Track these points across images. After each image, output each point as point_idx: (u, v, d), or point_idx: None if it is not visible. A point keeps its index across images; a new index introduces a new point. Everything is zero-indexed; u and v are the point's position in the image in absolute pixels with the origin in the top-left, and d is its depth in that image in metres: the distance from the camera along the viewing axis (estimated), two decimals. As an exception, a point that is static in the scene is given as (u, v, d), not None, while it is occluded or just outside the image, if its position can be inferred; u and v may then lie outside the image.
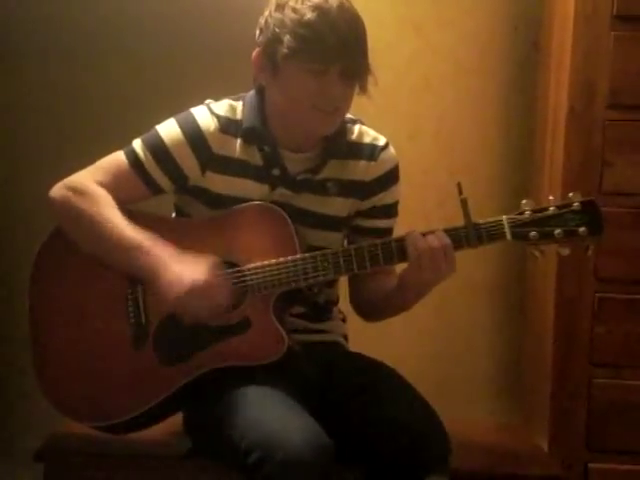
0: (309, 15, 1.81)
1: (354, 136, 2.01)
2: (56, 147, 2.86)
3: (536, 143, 2.71)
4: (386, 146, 2.03)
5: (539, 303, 2.59)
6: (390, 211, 2.05)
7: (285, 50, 1.83)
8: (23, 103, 2.90)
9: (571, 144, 2.34)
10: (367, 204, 2.02)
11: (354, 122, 2.02)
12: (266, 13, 1.89)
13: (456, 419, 2.19)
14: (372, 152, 2.01)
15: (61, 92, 2.88)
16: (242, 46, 2.69)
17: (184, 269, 1.83)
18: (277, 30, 1.84)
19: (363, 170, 2.00)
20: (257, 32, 1.91)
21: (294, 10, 1.83)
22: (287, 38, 1.82)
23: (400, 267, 1.92)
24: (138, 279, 1.90)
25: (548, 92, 2.58)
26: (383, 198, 2.03)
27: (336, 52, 1.82)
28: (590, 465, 2.35)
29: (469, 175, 2.78)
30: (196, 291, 1.82)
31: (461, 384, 2.79)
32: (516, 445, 2.44)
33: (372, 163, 2.00)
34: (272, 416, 1.74)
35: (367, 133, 2.02)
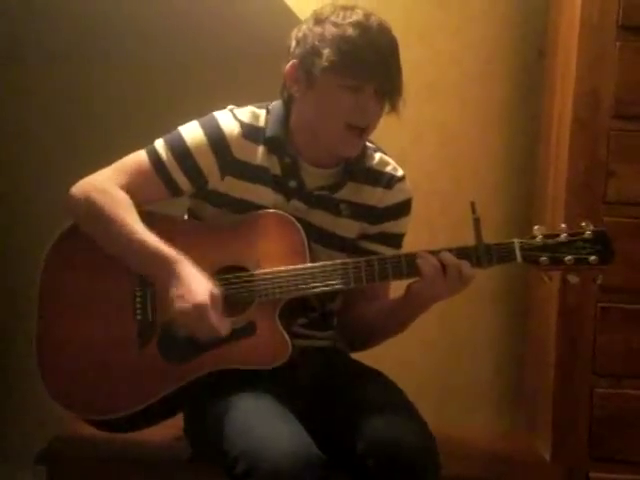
0: (350, 31, 1.84)
1: (374, 163, 2.02)
2: (58, 148, 2.87)
3: (540, 152, 2.71)
4: (403, 178, 2.04)
5: (541, 312, 2.59)
6: (395, 241, 2.05)
7: (324, 63, 1.84)
8: (26, 106, 2.91)
9: (575, 153, 2.35)
10: (375, 229, 2.03)
11: (375, 150, 2.04)
12: (304, 26, 1.90)
13: (458, 427, 2.19)
14: (389, 181, 2.02)
15: (65, 95, 2.89)
16: (245, 50, 2.72)
17: (197, 288, 1.81)
18: (317, 43, 1.86)
19: (378, 197, 2.02)
20: (292, 44, 1.91)
21: (335, 25, 1.85)
22: (327, 52, 1.84)
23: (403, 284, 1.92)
24: (149, 281, 1.90)
25: (553, 101, 2.58)
26: (391, 227, 2.04)
27: (374, 70, 1.84)
28: (592, 474, 2.34)
29: (473, 182, 2.79)
30: (200, 313, 1.80)
31: (463, 392, 2.78)
32: (518, 454, 2.44)
33: (387, 191, 2.02)
34: (260, 425, 1.74)
35: (388, 162, 2.04)
